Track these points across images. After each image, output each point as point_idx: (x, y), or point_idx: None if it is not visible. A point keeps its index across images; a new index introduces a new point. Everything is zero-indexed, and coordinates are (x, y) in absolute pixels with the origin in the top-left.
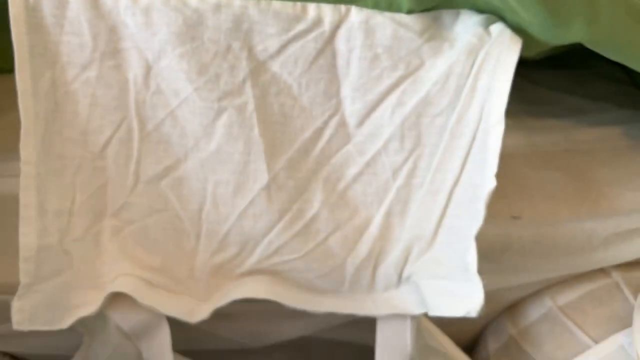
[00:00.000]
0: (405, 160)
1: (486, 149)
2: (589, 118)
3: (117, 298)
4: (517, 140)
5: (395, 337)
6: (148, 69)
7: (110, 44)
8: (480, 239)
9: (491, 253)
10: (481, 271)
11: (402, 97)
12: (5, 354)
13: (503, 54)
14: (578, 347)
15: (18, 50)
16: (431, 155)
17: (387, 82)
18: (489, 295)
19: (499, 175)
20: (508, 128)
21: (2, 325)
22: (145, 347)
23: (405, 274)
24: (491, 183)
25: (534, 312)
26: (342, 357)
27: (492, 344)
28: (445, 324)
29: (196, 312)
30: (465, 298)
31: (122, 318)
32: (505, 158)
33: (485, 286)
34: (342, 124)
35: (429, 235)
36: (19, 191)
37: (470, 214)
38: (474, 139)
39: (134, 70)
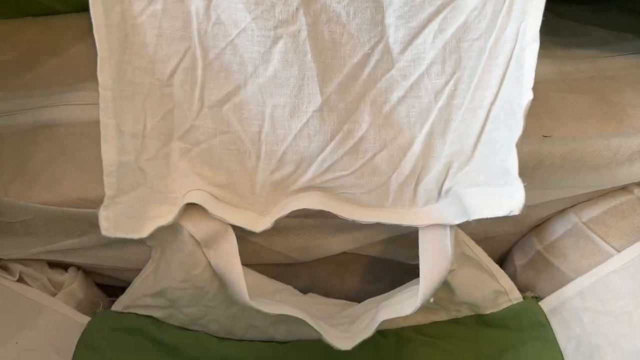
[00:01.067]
0: (447, 82)
1: (522, 66)
2: (612, 47)
3: (189, 210)
4: (546, 69)
5: (437, 243)
6: (209, 1)
7: None
8: None
9: (524, 169)
10: None
11: (442, 24)
12: (78, 268)
13: None
14: (601, 256)
15: None
16: (470, 77)
17: (428, 10)
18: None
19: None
20: (537, 57)
21: (79, 238)
22: (214, 255)
23: (445, 187)
24: (528, 95)
25: (560, 228)
26: (379, 272)
27: (518, 260)
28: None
29: (259, 223)
30: (506, 199)
31: (194, 227)
32: (536, 84)
33: None
34: (387, 50)
35: (468, 150)
36: (84, 118)
37: (508, 127)
38: (510, 58)
39: (195, 3)
